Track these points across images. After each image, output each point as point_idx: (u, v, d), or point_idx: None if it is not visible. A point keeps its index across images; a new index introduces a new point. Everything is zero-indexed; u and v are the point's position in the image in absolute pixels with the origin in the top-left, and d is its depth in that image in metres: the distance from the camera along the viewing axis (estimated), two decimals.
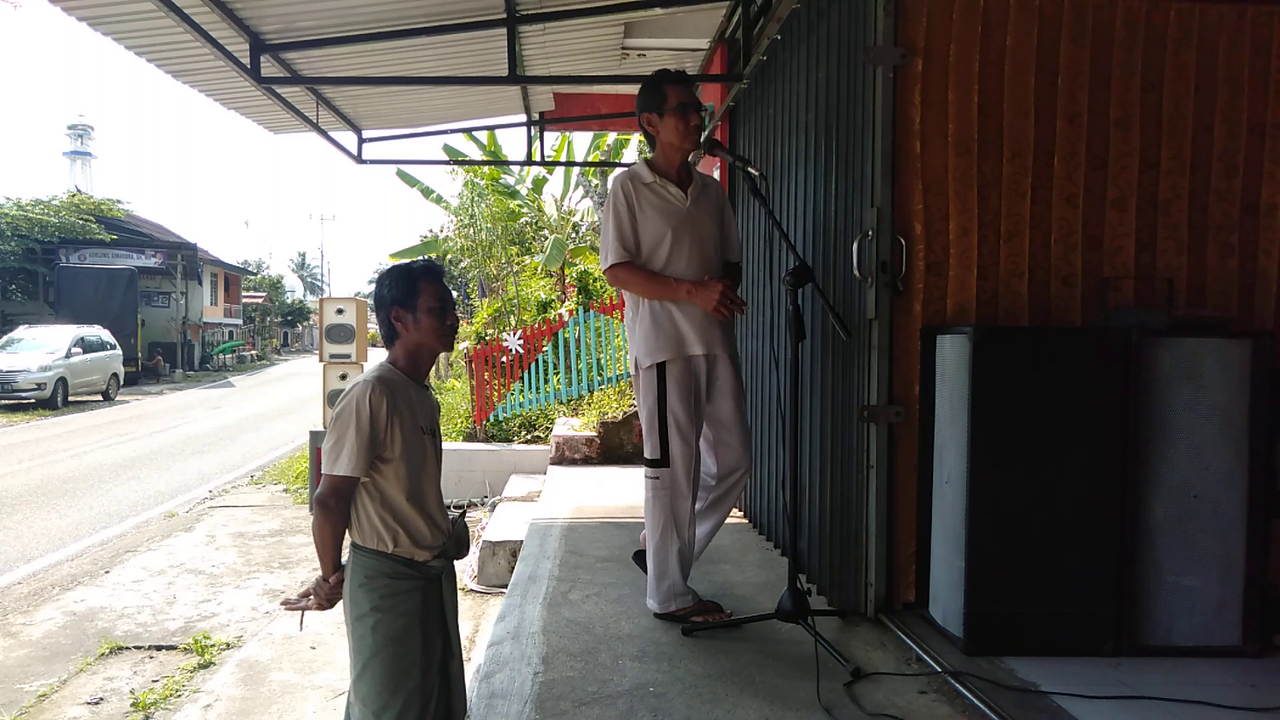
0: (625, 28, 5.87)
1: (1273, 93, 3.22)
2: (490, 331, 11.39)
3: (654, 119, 3.28)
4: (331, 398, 7.54)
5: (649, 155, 3.40)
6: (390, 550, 2.20)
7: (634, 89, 7.68)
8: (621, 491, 6.15)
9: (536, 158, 8.45)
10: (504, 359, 10.06)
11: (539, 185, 15.64)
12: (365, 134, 7.61)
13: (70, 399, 18.52)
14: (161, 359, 27.38)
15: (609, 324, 9.69)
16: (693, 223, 3.26)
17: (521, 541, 5.06)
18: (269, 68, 5.20)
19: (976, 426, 2.85)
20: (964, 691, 2.61)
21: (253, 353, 40.88)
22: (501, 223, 13.89)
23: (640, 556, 3.57)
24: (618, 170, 11.86)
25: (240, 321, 41.67)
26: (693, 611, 3.22)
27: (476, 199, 13.71)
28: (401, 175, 15.01)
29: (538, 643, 3.08)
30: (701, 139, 3.38)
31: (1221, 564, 2.88)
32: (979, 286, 3.16)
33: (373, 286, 2.76)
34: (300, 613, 2.31)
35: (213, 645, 5.25)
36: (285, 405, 19.86)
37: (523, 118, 7.88)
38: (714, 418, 3.35)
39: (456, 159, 12.82)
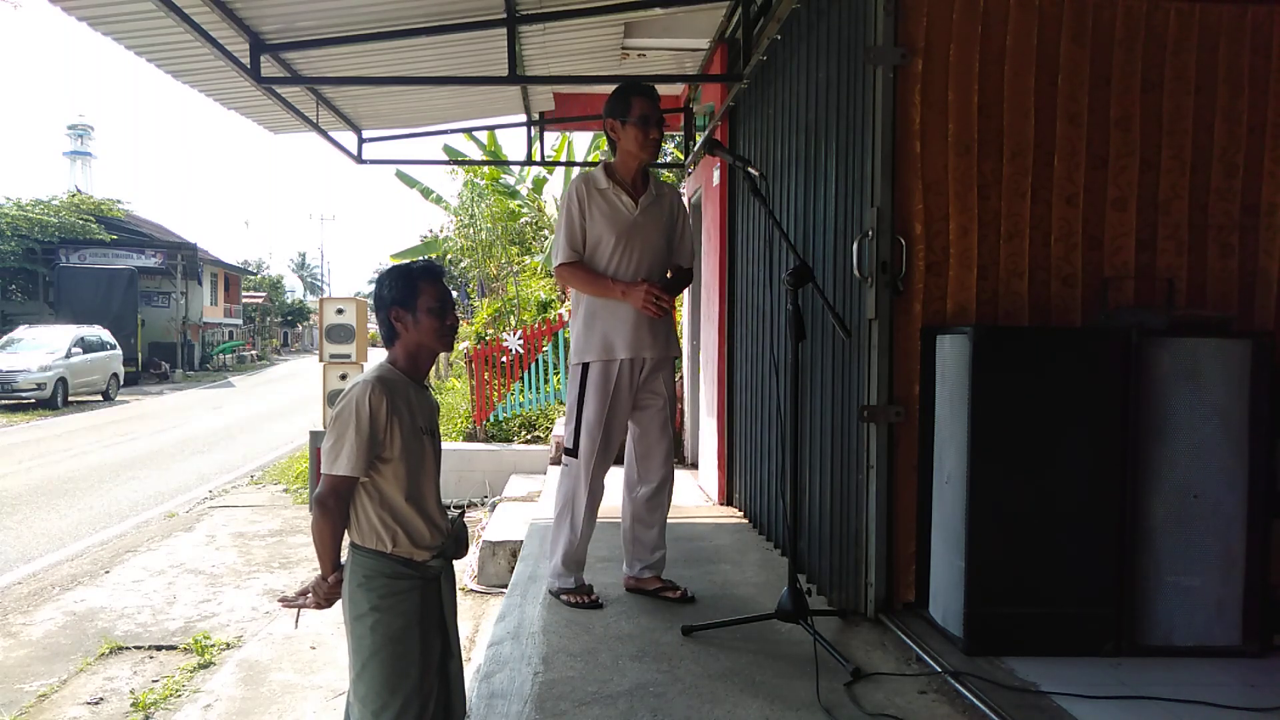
0: (625, 28, 5.87)
1: (1273, 93, 3.22)
2: (490, 331, 11.39)
3: (617, 125, 3.44)
4: (331, 398, 7.54)
5: (611, 158, 3.55)
6: (389, 550, 2.20)
7: None
8: (621, 492, 6.11)
9: (536, 158, 8.44)
10: (504, 359, 10.05)
11: (539, 185, 15.64)
12: (365, 134, 7.60)
13: (70, 399, 18.50)
14: (165, 364, 27.32)
15: None
16: (639, 230, 3.41)
17: (521, 541, 5.06)
18: (269, 68, 5.20)
19: (976, 426, 2.85)
20: (964, 691, 2.61)
21: (253, 353, 40.85)
22: (501, 223, 13.89)
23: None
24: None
25: (240, 321, 41.66)
26: (570, 594, 3.45)
27: (476, 199, 13.71)
28: (401, 176, 15.01)
29: (538, 643, 3.07)
30: (658, 152, 3.53)
31: (1221, 564, 2.88)
32: (979, 286, 3.16)
33: (373, 286, 2.77)
34: (296, 610, 2.31)
35: (213, 645, 5.24)
36: (285, 405, 19.85)
37: (523, 118, 7.88)
38: (641, 425, 3.51)
39: (456, 159, 12.82)
